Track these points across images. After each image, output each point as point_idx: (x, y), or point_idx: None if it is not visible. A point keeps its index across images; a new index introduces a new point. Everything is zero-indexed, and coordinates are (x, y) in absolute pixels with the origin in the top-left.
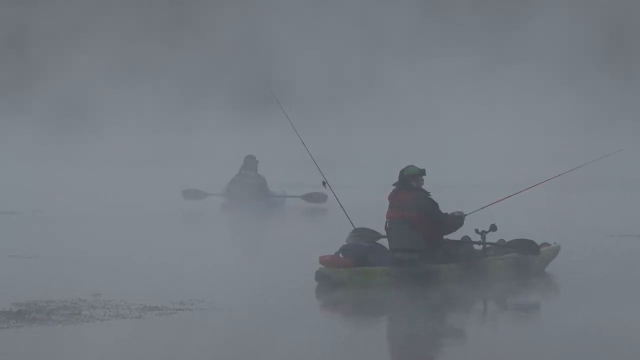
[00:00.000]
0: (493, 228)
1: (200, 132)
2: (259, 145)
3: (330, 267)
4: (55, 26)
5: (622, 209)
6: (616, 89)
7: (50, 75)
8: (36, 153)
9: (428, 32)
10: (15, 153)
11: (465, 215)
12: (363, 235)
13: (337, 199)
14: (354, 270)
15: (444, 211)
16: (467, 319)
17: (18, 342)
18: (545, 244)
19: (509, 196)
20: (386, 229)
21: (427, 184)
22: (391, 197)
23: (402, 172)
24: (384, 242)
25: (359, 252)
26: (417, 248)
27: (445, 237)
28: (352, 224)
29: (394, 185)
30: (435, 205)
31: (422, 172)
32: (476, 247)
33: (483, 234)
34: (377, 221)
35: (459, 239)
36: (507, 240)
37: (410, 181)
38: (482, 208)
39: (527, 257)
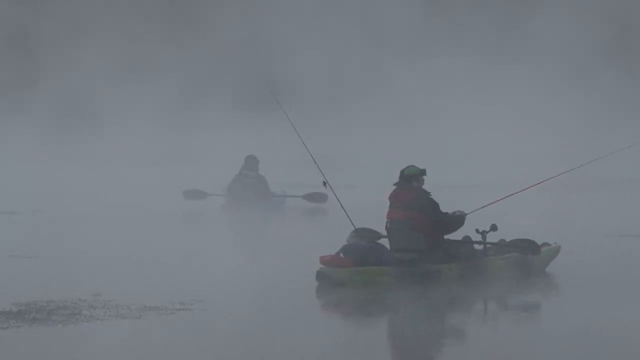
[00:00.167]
0: (493, 228)
1: (201, 132)
2: (260, 145)
3: (330, 267)
4: (57, 26)
5: (623, 209)
6: (622, 88)
7: (51, 75)
8: (37, 153)
9: (430, 31)
10: (16, 153)
11: (466, 214)
12: (364, 235)
13: (338, 199)
14: (354, 270)
15: (444, 211)
16: (467, 318)
17: (18, 342)
18: (546, 244)
19: (510, 195)
20: (387, 229)
21: (428, 184)
22: (392, 197)
23: (402, 172)
24: (385, 242)
25: (360, 252)
26: (418, 248)
27: (445, 237)
28: (352, 224)
29: (394, 185)
30: (436, 205)
31: (423, 172)
32: (477, 247)
33: (483, 233)
34: (377, 221)
35: (459, 238)
36: (507, 240)
37: (410, 181)
38: (482, 207)
39: (527, 257)
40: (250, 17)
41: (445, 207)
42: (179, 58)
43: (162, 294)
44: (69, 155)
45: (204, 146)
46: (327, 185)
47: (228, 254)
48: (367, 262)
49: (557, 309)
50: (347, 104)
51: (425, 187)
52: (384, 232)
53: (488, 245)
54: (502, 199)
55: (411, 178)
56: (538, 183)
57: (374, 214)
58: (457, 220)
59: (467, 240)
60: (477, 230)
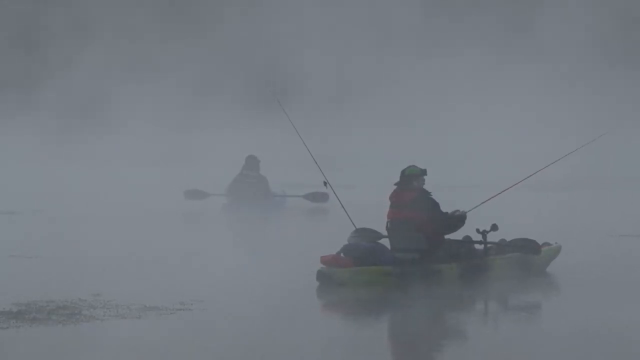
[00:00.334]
0: (494, 228)
1: (201, 132)
2: (260, 145)
3: (331, 267)
4: (58, 26)
5: (624, 208)
6: (627, 89)
7: (51, 75)
8: (37, 153)
9: (431, 31)
10: (16, 153)
11: (466, 213)
12: (364, 235)
13: (338, 199)
14: (355, 270)
15: (445, 210)
16: (468, 318)
17: (18, 342)
18: (547, 244)
19: (504, 190)
20: (387, 228)
21: (429, 184)
22: (392, 197)
23: (403, 172)
24: (385, 242)
25: (360, 252)
26: (418, 248)
27: (446, 236)
28: (353, 224)
29: (395, 185)
30: (436, 205)
31: (423, 172)
32: (477, 246)
33: (484, 233)
34: (378, 221)
35: (460, 238)
36: (508, 240)
37: (411, 181)
38: (480, 204)
39: (528, 256)
40: (252, 17)
41: (446, 207)
42: (180, 58)
43: (162, 294)
44: (69, 155)
45: (205, 146)
46: (327, 185)
47: (228, 254)
48: (368, 262)
49: (557, 308)
50: (348, 103)
51: (426, 187)
52: (385, 232)
53: (489, 245)
54: (496, 195)
55: (412, 178)
56: (527, 177)
57: (375, 214)
58: (458, 220)
59: (467, 240)
60: (477, 230)
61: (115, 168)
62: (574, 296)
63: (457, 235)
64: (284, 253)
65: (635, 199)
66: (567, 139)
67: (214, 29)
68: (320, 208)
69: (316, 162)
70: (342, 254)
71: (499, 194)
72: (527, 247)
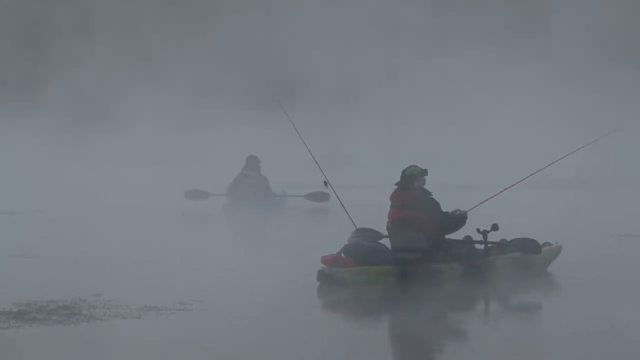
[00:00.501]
0: (495, 227)
1: (203, 132)
2: (262, 145)
3: (332, 267)
4: (60, 25)
5: (624, 208)
6: (632, 88)
7: (53, 76)
8: (38, 153)
9: (435, 31)
10: (17, 153)
11: (466, 212)
12: (365, 235)
13: (339, 199)
14: (355, 269)
15: (445, 209)
16: (468, 318)
17: (18, 342)
18: (547, 244)
19: (503, 190)
20: (388, 228)
21: (431, 184)
22: (392, 197)
23: (404, 172)
24: (386, 242)
25: (361, 252)
26: (419, 247)
27: (447, 236)
28: (354, 224)
29: (395, 185)
30: (437, 205)
31: (424, 172)
32: (478, 246)
33: (485, 233)
34: (379, 221)
35: (460, 238)
36: (508, 239)
37: (411, 181)
38: (480, 203)
39: (528, 256)
40: (254, 16)
41: (447, 207)
42: (181, 58)
43: (162, 294)
44: (69, 155)
45: (205, 146)
46: (328, 185)
47: (229, 254)
48: (369, 261)
49: (558, 308)
50: (350, 103)
51: (427, 187)
52: (385, 232)
53: (489, 245)
54: (495, 195)
55: (412, 178)
56: (527, 177)
57: (375, 213)
58: (458, 219)
59: (468, 239)
60: (478, 230)
61: (116, 168)
62: (574, 296)
63: (457, 235)
64: (284, 253)
65: (635, 199)
66: (568, 139)
67: (216, 29)
68: (320, 208)
69: (316, 162)
70: (342, 254)
71: (499, 193)
72: (527, 247)
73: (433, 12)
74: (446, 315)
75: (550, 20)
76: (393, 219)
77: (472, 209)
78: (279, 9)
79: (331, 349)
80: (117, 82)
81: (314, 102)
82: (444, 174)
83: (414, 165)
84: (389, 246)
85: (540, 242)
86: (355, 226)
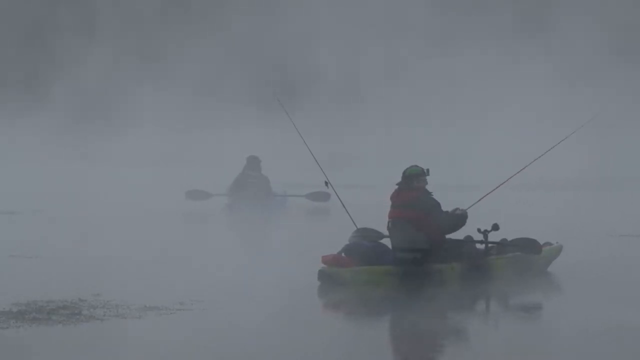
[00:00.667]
0: (495, 227)
1: (204, 132)
2: (262, 145)
3: (332, 267)
4: (62, 25)
5: (624, 208)
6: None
7: (53, 76)
8: (39, 153)
9: (437, 30)
10: (18, 153)
11: (466, 210)
12: (366, 235)
13: (340, 199)
14: (356, 269)
15: (445, 208)
16: (469, 318)
17: (18, 342)
18: (548, 244)
19: (497, 187)
20: (388, 228)
21: (434, 184)
22: (393, 197)
23: (404, 172)
24: (387, 241)
25: (362, 252)
26: (420, 247)
27: (447, 236)
28: (354, 223)
29: (396, 184)
30: (437, 204)
31: (425, 172)
32: (478, 246)
33: (485, 233)
34: (379, 221)
35: (461, 238)
36: (509, 239)
37: (412, 181)
38: (477, 201)
39: (529, 256)
40: (256, 16)
41: (447, 206)
42: (182, 58)
43: (162, 294)
44: (70, 155)
45: (206, 146)
46: (328, 184)
47: (229, 254)
48: (369, 261)
49: (558, 308)
50: (350, 103)
51: (428, 187)
52: (386, 232)
53: (490, 245)
54: (491, 192)
55: (413, 178)
56: (517, 172)
57: (376, 213)
58: (459, 219)
59: (469, 239)
60: (478, 230)
61: (116, 168)
62: (574, 296)
63: (458, 234)
64: (285, 253)
65: (635, 199)
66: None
67: (218, 29)
68: (321, 208)
69: (317, 162)
70: (343, 254)
71: (493, 190)
72: (528, 246)
73: (433, 12)
74: (446, 315)
75: (553, 20)
76: (393, 218)
77: (469, 207)
78: (280, 9)
79: (332, 349)
80: (118, 82)
81: (314, 101)
82: (444, 174)
83: (415, 165)
84: (390, 246)
85: (541, 242)
86: (355, 226)
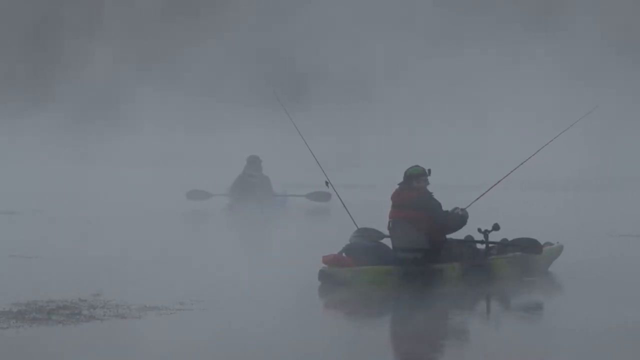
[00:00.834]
0: (496, 227)
1: (204, 132)
2: (264, 145)
3: (333, 267)
4: (63, 26)
5: (625, 208)
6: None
7: (53, 77)
8: (39, 153)
9: (438, 30)
10: (18, 153)
11: (466, 210)
12: (366, 235)
13: (340, 199)
14: (357, 269)
15: (445, 208)
16: (469, 318)
17: (18, 342)
18: (549, 244)
19: (494, 185)
20: (389, 228)
21: (434, 184)
22: (394, 197)
23: (406, 171)
24: (387, 241)
25: (362, 252)
26: (420, 247)
27: (448, 236)
28: (355, 223)
29: (398, 184)
30: (437, 204)
31: (426, 172)
32: (479, 246)
33: (486, 233)
34: (380, 221)
35: (461, 238)
36: (510, 239)
37: (412, 181)
38: (475, 200)
39: (529, 256)
40: (254, 17)
41: (447, 206)
42: (183, 58)
43: (162, 294)
44: (70, 155)
45: (207, 146)
46: (329, 184)
47: (230, 254)
48: (370, 261)
49: (559, 308)
50: (350, 103)
51: (434, 187)
52: (387, 232)
53: (490, 245)
54: (488, 190)
55: (413, 178)
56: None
57: (377, 213)
58: (459, 219)
59: (469, 239)
60: (479, 230)
61: (117, 168)
62: (575, 296)
63: (459, 234)
64: (285, 253)
65: (635, 199)
66: (569, 139)
67: (221, 29)
68: (322, 208)
69: (318, 162)
70: (344, 254)
71: (492, 187)
72: (528, 246)
73: (433, 11)
74: (447, 315)
75: (553, 20)
76: (394, 218)
77: (468, 206)
78: (282, 10)
79: (332, 349)
80: (119, 82)
81: (315, 101)
82: (444, 174)
83: (417, 166)
84: (390, 246)
85: (541, 242)
86: (356, 226)
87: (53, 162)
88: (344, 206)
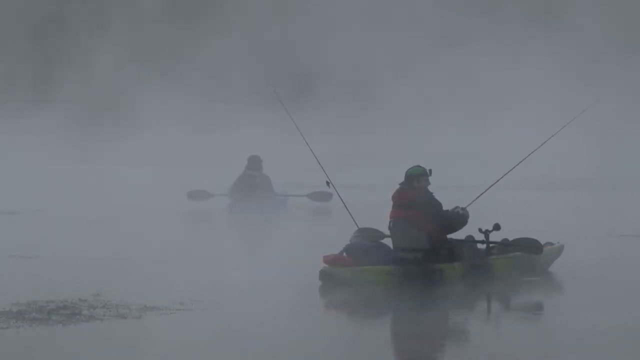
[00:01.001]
0: (496, 227)
1: (204, 132)
2: (265, 145)
3: (333, 267)
4: (65, 26)
5: (625, 208)
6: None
7: (54, 77)
8: (39, 153)
9: (439, 30)
10: (18, 153)
11: (466, 209)
12: (367, 235)
13: (341, 199)
14: (357, 269)
15: (445, 207)
16: (470, 318)
17: (18, 342)
18: (549, 244)
19: (492, 185)
20: (390, 228)
21: (435, 184)
22: (394, 197)
23: (407, 171)
24: (388, 241)
25: (363, 252)
26: (421, 247)
27: (448, 236)
28: (356, 223)
29: (399, 185)
30: (438, 204)
31: (427, 172)
32: (480, 246)
33: (487, 233)
34: (381, 221)
35: (462, 238)
36: (510, 239)
37: (413, 181)
38: (475, 199)
39: (530, 256)
40: (256, 17)
41: (447, 206)
42: (182, 58)
43: (162, 294)
44: (70, 155)
45: (207, 146)
46: (330, 184)
47: (230, 254)
48: (370, 261)
49: (559, 308)
50: (350, 103)
51: (431, 187)
52: (387, 232)
53: (491, 245)
54: (486, 190)
55: (414, 178)
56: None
57: (378, 213)
58: (460, 219)
59: (470, 239)
60: (480, 230)
61: (118, 168)
62: (575, 296)
63: (459, 234)
64: (286, 252)
65: (636, 199)
66: (570, 139)
67: (224, 30)
68: (323, 207)
69: (318, 162)
70: (344, 254)
71: (492, 186)
72: (529, 246)
73: (434, 11)
74: (447, 315)
75: (554, 20)
76: (395, 218)
77: (468, 205)
78: (284, 10)
79: (332, 349)
80: (120, 82)
81: (316, 101)
82: (445, 174)
83: (418, 166)
84: (391, 246)
85: (542, 242)
86: (357, 226)
87: (53, 162)
88: (345, 206)
